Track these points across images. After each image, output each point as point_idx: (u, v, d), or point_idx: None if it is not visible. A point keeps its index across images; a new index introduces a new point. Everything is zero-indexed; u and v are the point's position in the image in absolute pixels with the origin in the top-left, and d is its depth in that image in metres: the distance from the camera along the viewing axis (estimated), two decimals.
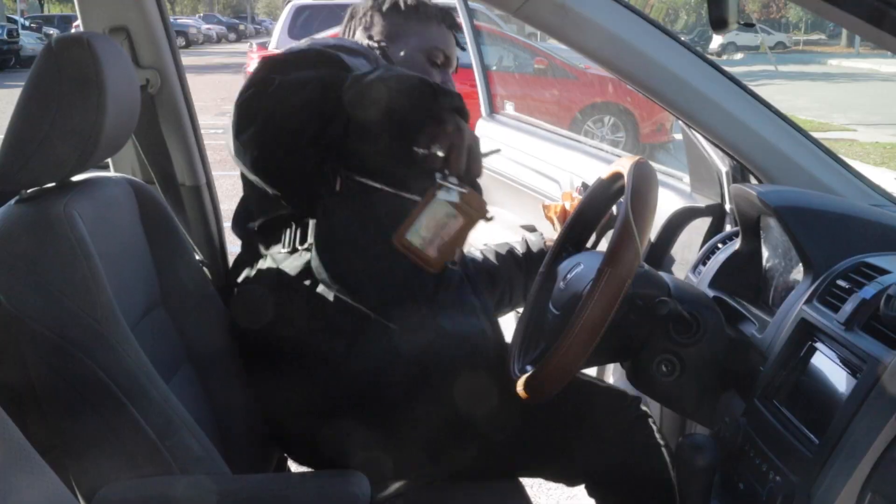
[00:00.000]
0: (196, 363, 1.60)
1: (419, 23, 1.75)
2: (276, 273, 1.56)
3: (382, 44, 1.73)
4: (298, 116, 1.35)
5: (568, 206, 2.12)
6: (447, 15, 1.79)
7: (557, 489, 2.58)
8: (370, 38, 1.75)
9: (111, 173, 1.63)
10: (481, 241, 2.15)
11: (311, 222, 1.54)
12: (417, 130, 1.31)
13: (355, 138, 1.36)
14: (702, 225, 1.95)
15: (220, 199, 2.01)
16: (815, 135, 1.85)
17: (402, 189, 1.49)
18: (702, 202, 1.98)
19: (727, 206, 1.89)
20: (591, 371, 2.02)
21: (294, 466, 1.78)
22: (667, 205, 1.96)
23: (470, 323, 1.62)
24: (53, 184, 1.35)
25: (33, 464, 0.78)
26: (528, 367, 1.44)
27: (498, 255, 2.04)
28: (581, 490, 1.74)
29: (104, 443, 1.26)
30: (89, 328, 1.25)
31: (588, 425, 1.63)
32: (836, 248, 1.38)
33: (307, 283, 1.53)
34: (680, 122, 1.82)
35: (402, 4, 1.77)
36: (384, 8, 1.77)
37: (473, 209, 1.33)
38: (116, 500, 1.27)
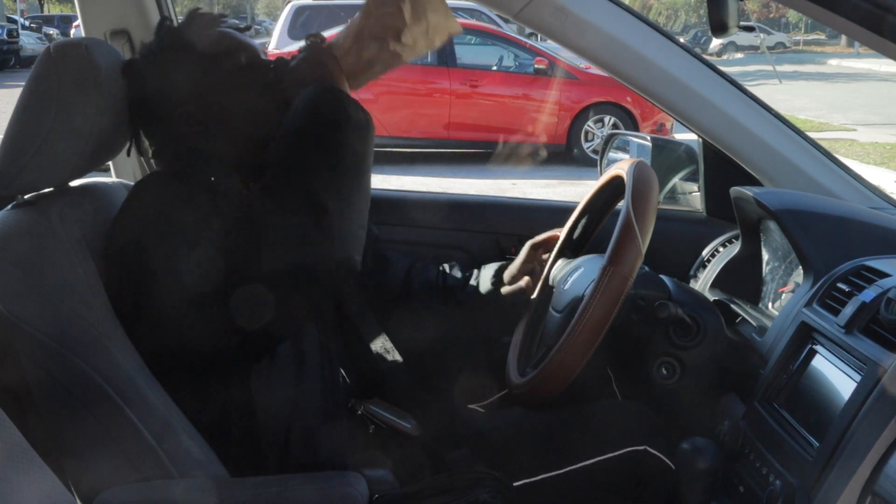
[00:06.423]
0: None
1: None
2: None
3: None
4: None
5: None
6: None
7: None
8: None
9: (108, 178, 1.63)
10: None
11: None
12: None
13: None
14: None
15: None
16: (815, 135, 1.85)
17: None
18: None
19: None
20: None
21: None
22: None
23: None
24: (51, 189, 1.35)
25: (33, 464, 0.79)
26: (529, 371, 1.44)
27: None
28: None
29: (102, 446, 1.26)
30: (86, 332, 1.24)
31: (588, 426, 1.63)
32: (835, 250, 1.38)
33: None
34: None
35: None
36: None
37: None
38: None
